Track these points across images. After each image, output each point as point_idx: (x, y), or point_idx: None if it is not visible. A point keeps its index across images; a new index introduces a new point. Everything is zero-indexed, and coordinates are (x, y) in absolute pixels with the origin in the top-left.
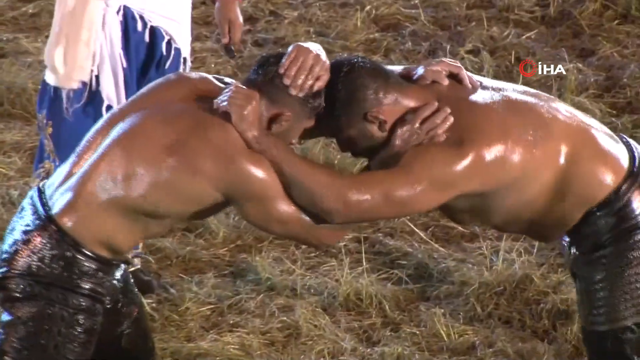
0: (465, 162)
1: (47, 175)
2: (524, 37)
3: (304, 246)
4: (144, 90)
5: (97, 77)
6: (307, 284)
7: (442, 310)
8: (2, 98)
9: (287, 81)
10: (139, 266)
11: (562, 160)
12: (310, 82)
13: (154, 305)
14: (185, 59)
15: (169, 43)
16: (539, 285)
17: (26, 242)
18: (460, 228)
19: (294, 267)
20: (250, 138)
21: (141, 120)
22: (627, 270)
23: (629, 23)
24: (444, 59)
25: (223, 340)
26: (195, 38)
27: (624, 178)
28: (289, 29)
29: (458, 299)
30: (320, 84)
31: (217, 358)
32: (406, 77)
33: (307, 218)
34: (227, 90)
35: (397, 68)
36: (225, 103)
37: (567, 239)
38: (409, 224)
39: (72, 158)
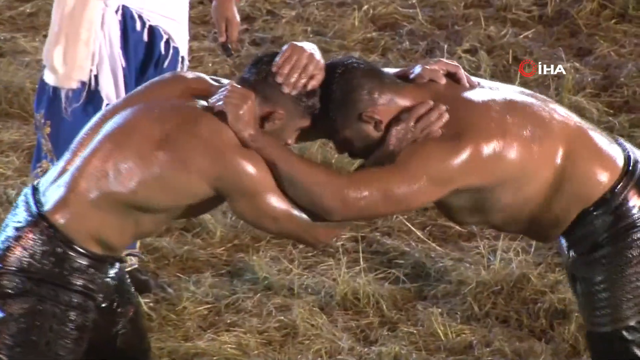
0: (462, 156)
1: (45, 174)
2: (521, 36)
3: (301, 246)
4: (138, 88)
5: (96, 76)
6: (305, 284)
7: (440, 310)
8: None
9: (280, 79)
10: (136, 265)
11: (559, 158)
12: (303, 81)
13: (151, 304)
14: (183, 58)
15: (167, 42)
16: (537, 284)
17: (17, 238)
18: (457, 227)
19: (291, 267)
20: (247, 137)
21: (133, 116)
22: (627, 270)
23: (626, 22)
24: (441, 59)
25: (220, 339)
26: (193, 37)
27: (620, 177)
28: (286, 28)
29: (455, 298)
30: (314, 83)
31: (215, 357)
32: (403, 77)
33: (303, 216)
34: (222, 89)
35: (395, 70)
36: (220, 102)
37: (565, 242)
38: (407, 223)
39: (66, 155)
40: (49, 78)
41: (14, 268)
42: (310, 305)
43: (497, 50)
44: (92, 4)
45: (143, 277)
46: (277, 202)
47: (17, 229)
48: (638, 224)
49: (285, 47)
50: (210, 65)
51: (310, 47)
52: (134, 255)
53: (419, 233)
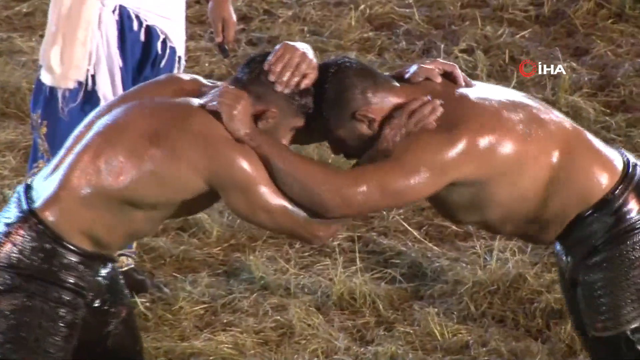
0: (458, 147)
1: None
2: (518, 36)
3: (297, 245)
4: (133, 88)
5: (94, 76)
6: (301, 283)
7: (436, 310)
8: None
9: (272, 77)
10: (132, 265)
11: (557, 155)
12: (296, 79)
13: (147, 304)
14: (180, 57)
15: (164, 42)
16: (533, 284)
17: (7, 234)
18: (454, 227)
19: (287, 267)
20: (243, 136)
21: (125, 113)
22: (630, 272)
23: (623, 22)
24: (437, 59)
25: (217, 339)
26: (189, 37)
27: (620, 179)
28: (283, 28)
29: (452, 298)
30: (307, 82)
31: (211, 357)
32: (398, 77)
33: (299, 211)
34: (214, 90)
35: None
36: (214, 103)
37: (561, 247)
38: (403, 223)
39: (60, 153)
40: (46, 78)
41: (3, 264)
42: (306, 305)
43: (494, 50)
44: (89, 4)
45: (139, 276)
46: (271, 195)
47: (7, 225)
48: (637, 226)
49: (277, 46)
50: (206, 65)
51: (303, 47)
52: (127, 256)
53: (415, 233)
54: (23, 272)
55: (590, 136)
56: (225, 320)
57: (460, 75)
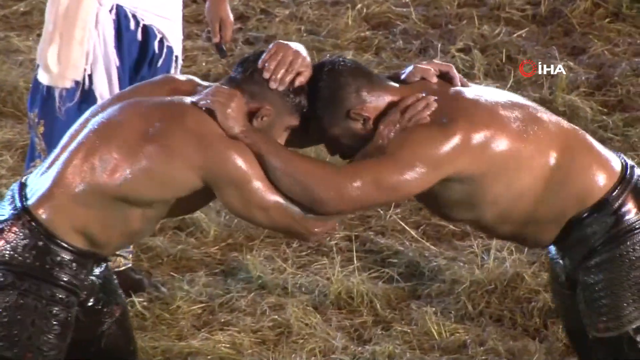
0: (452, 141)
1: None
2: (514, 35)
3: (295, 244)
4: (128, 87)
5: (90, 76)
6: (298, 283)
7: (433, 309)
8: None
9: (266, 75)
10: (129, 265)
11: (555, 155)
12: (290, 76)
13: (145, 303)
14: (177, 57)
15: (161, 41)
16: (530, 283)
17: (0, 231)
18: (451, 226)
19: (285, 266)
20: (237, 133)
21: (120, 111)
22: (631, 272)
23: (620, 21)
24: (433, 60)
25: (214, 338)
26: (186, 36)
27: (619, 180)
28: (280, 28)
29: (449, 298)
30: (301, 79)
31: (208, 357)
32: (394, 77)
33: (295, 208)
34: (207, 90)
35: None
36: (207, 101)
37: (557, 251)
38: (400, 222)
39: (55, 151)
40: (43, 77)
41: None
42: (304, 305)
43: (491, 49)
44: (86, 3)
45: (137, 276)
46: (266, 192)
47: (0, 222)
48: (637, 226)
49: (271, 45)
50: (204, 64)
51: (296, 45)
52: (124, 256)
53: (412, 232)
54: (16, 269)
55: (588, 137)
56: (222, 320)
57: (456, 75)
